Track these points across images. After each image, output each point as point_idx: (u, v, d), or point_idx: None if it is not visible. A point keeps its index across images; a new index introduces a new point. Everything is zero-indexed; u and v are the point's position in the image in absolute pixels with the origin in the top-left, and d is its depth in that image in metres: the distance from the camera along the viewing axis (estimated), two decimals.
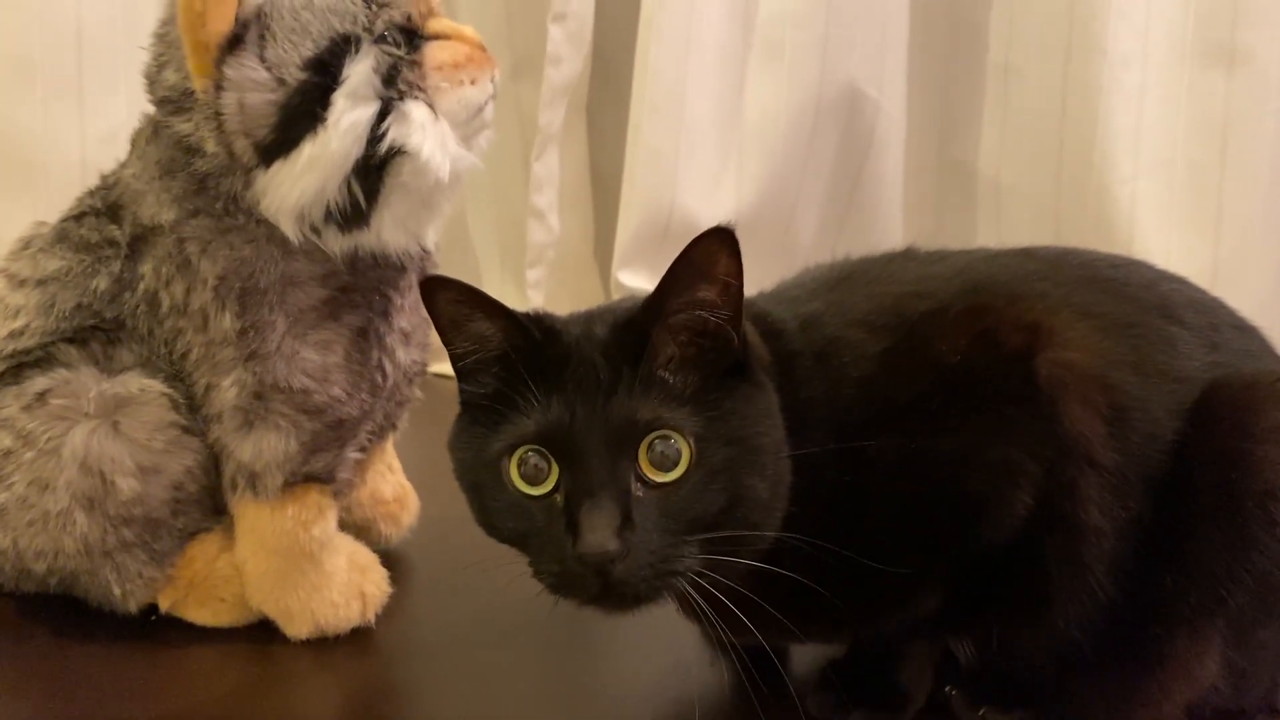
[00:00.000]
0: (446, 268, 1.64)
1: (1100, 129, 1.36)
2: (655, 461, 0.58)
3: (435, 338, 0.86)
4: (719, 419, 0.60)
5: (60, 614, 0.80)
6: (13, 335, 0.75)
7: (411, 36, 0.73)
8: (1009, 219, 1.51)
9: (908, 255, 0.78)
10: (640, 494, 0.58)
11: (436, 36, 0.74)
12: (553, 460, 0.59)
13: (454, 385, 0.64)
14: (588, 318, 0.65)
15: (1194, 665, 0.65)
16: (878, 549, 0.63)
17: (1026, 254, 0.76)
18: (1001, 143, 1.49)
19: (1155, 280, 0.73)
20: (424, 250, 0.79)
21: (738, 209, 1.49)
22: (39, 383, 0.73)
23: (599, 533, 0.56)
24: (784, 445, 0.62)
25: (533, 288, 1.48)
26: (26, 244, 0.79)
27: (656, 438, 0.58)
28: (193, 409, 0.75)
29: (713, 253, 0.60)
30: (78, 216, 0.77)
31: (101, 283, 0.75)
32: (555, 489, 0.59)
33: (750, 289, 1.61)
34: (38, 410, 0.73)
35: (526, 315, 0.62)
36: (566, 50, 1.42)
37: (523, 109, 1.49)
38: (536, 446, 0.59)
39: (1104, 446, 0.64)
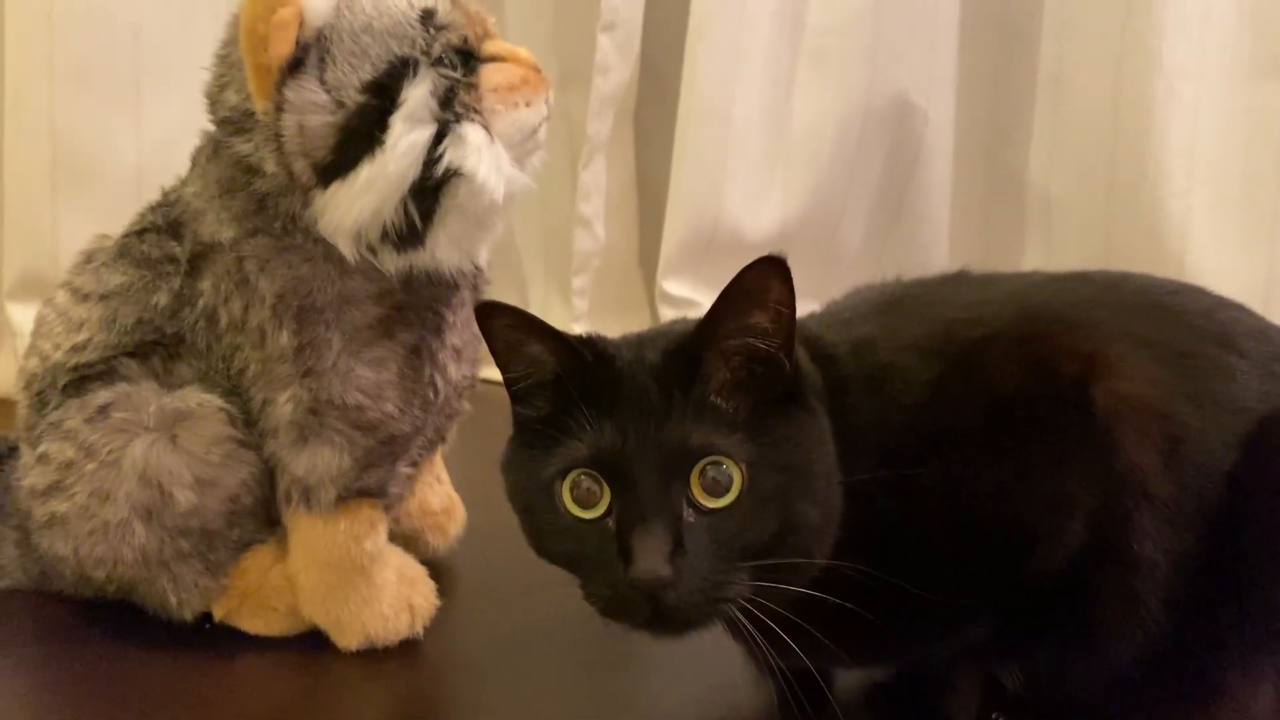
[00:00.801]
0: (492, 275, 1.66)
1: (1154, 141, 1.34)
2: (707, 487, 0.58)
3: (485, 351, 0.88)
4: (771, 445, 0.60)
5: (117, 620, 0.82)
6: (76, 349, 0.77)
7: (468, 59, 0.74)
8: (1058, 230, 1.50)
9: (960, 279, 0.78)
10: (692, 519, 0.58)
11: (492, 59, 0.74)
12: (605, 484, 0.59)
13: (501, 392, 0.64)
14: (639, 341, 0.65)
15: (1247, 700, 0.65)
16: (927, 577, 0.63)
17: (1081, 279, 0.75)
18: (1052, 154, 1.47)
19: (1212, 307, 0.72)
20: (476, 268, 0.80)
21: (783, 219, 1.50)
22: (101, 396, 0.75)
23: (651, 558, 0.57)
24: (835, 472, 0.62)
25: (577, 295, 1.49)
26: (89, 258, 0.80)
27: (709, 463, 0.58)
28: (249, 423, 0.76)
29: (765, 280, 0.60)
30: (139, 232, 0.79)
31: (162, 298, 0.76)
32: (608, 513, 0.59)
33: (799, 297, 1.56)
34: (99, 423, 0.74)
35: (579, 339, 0.63)
36: (615, 59, 1.42)
37: (571, 118, 1.49)
38: (589, 470, 0.60)
39: (1159, 478, 0.63)
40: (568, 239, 1.50)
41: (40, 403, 0.78)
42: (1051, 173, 1.46)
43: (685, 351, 0.61)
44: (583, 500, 0.60)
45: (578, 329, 1.50)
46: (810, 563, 0.61)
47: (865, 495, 0.64)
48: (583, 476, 0.60)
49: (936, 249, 1.60)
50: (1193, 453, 0.64)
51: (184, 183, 0.78)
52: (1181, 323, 0.69)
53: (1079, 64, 1.42)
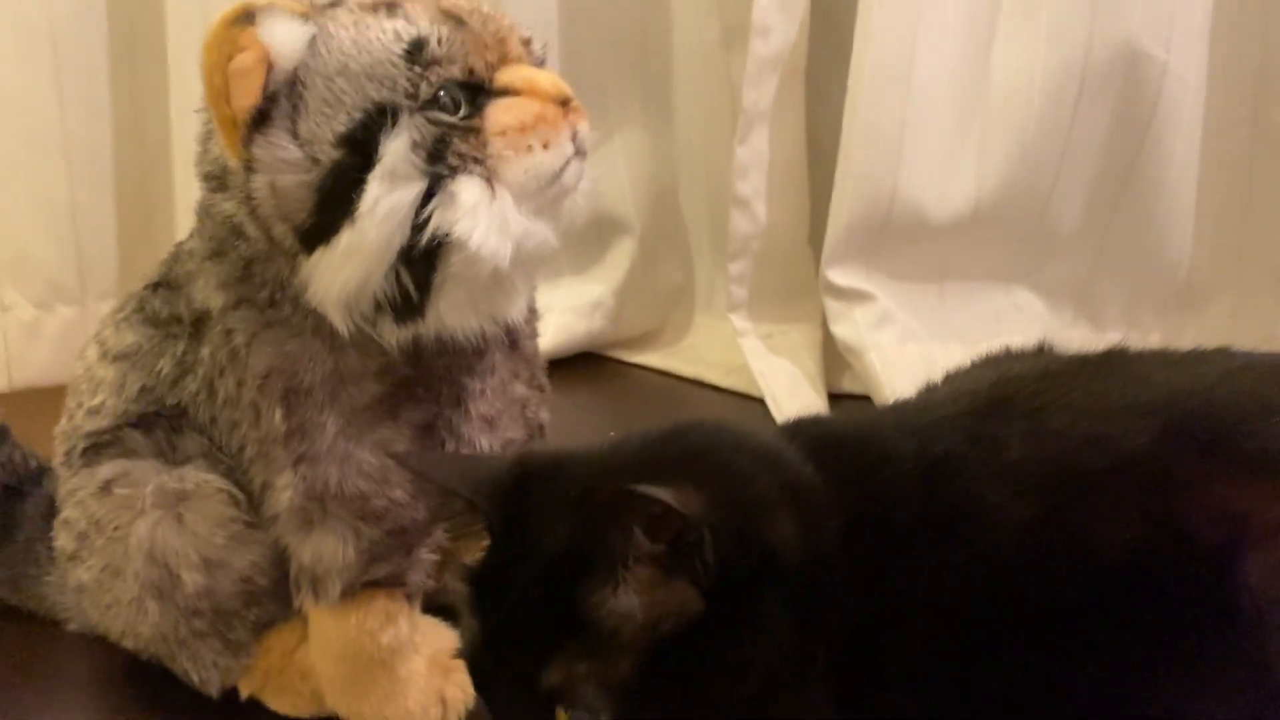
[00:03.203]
0: (659, 253, 1.55)
1: None
2: None
3: (544, 413, 0.77)
4: (663, 677, 0.48)
5: (158, 680, 0.79)
6: (91, 413, 0.73)
7: (475, 93, 0.62)
8: None
9: (1106, 365, 0.59)
10: None
11: (505, 92, 0.62)
12: None
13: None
14: (563, 502, 0.52)
15: None
16: None
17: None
18: None
19: None
20: (510, 325, 0.69)
21: (977, 194, 1.29)
22: (104, 470, 0.70)
23: None
24: (784, 687, 0.49)
25: (735, 282, 1.35)
26: (121, 306, 0.76)
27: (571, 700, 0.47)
28: (252, 505, 0.69)
29: (621, 516, 0.47)
30: (154, 285, 0.73)
31: (166, 365, 0.70)
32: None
33: (994, 284, 1.41)
34: (105, 498, 0.70)
35: (493, 488, 0.53)
36: (777, 18, 1.24)
37: (733, 80, 1.33)
38: None
39: None
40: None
41: (66, 465, 0.74)
42: None
43: (570, 547, 0.49)
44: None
45: (735, 321, 1.37)
46: None
47: (908, 679, 0.49)
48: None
49: (1178, 226, 1.34)
50: None
51: (190, 235, 0.71)
52: None
53: None
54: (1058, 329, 1.39)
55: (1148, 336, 1.38)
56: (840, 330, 1.29)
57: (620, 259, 1.48)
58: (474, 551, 0.57)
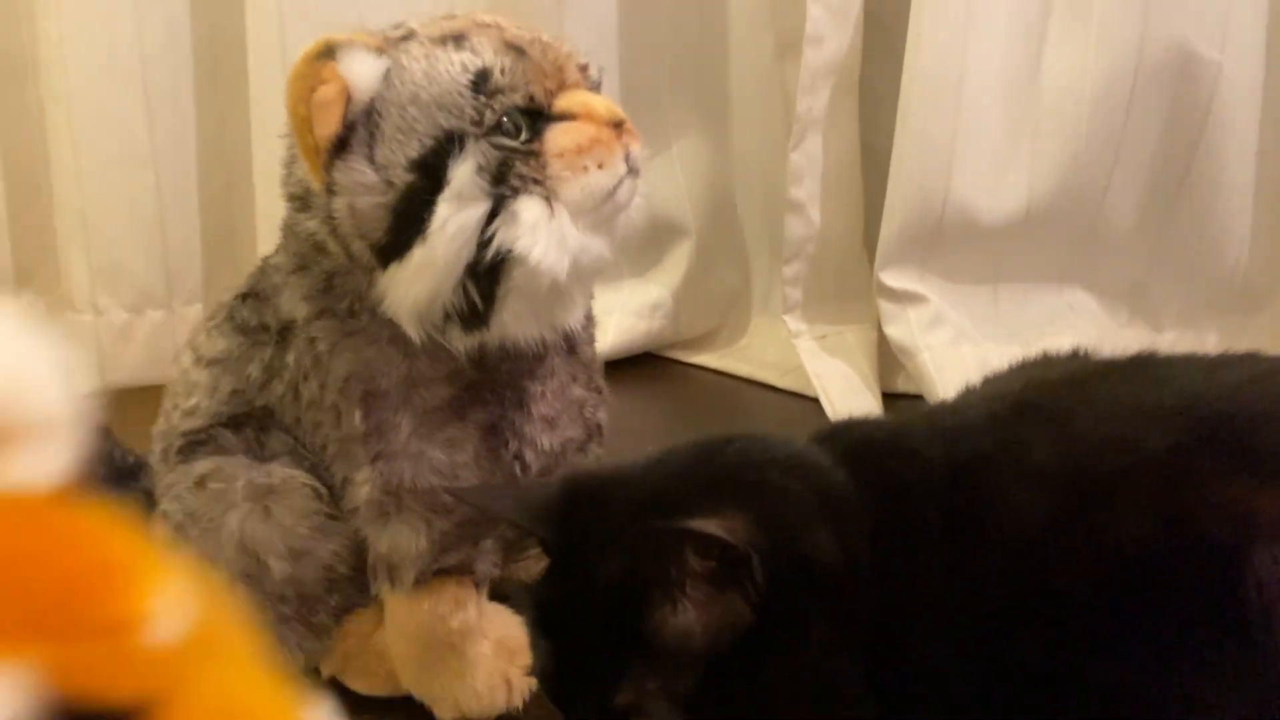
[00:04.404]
0: (716, 256, 1.59)
1: None
2: None
3: (602, 414, 0.82)
4: (726, 686, 0.51)
5: None
6: (186, 414, 0.79)
7: (536, 118, 0.66)
8: None
9: (1132, 369, 0.62)
10: None
11: (563, 116, 0.67)
12: None
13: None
14: (619, 527, 0.56)
15: None
16: None
17: None
18: None
19: None
20: (570, 331, 0.74)
21: (1028, 197, 1.31)
22: (200, 466, 0.76)
23: None
24: (837, 687, 0.52)
25: (790, 284, 1.38)
26: (212, 315, 0.82)
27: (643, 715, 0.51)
28: (335, 498, 0.75)
29: (669, 552, 0.52)
30: (242, 296, 0.79)
31: (254, 369, 0.76)
32: None
33: (1048, 285, 1.42)
34: (199, 492, 0.76)
35: (549, 516, 0.57)
36: (829, 28, 1.28)
37: (787, 89, 1.37)
38: None
39: None
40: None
41: (164, 461, 0.81)
42: None
43: (627, 574, 0.53)
44: None
45: (790, 323, 1.40)
46: None
47: (932, 672, 0.53)
48: None
49: (1235, 227, 1.34)
50: None
51: (276, 250, 0.77)
52: None
53: None
54: (1113, 329, 1.40)
55: (1204, 337, 1.39)
56: (893, 331, 1.32)
57: (679, 262, 1.52)
58: (534, 567, 0.61)
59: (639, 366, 1.50)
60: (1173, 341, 1.40)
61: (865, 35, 1.33)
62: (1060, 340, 1.32)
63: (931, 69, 1.23)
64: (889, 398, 1.35)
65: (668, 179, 1.49)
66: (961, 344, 1.32)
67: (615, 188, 0.67)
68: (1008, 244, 1.33)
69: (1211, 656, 0.49)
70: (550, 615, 0.56)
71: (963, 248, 1.30)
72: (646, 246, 1.52)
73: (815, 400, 1.34)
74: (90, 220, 1.38)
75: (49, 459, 0.28)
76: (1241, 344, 0.72)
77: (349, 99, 0.65)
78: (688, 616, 0.51)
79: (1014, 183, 1.30)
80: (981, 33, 1.23)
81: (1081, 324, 1.38)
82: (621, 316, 1.48)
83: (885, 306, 1.32)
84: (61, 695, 0.25)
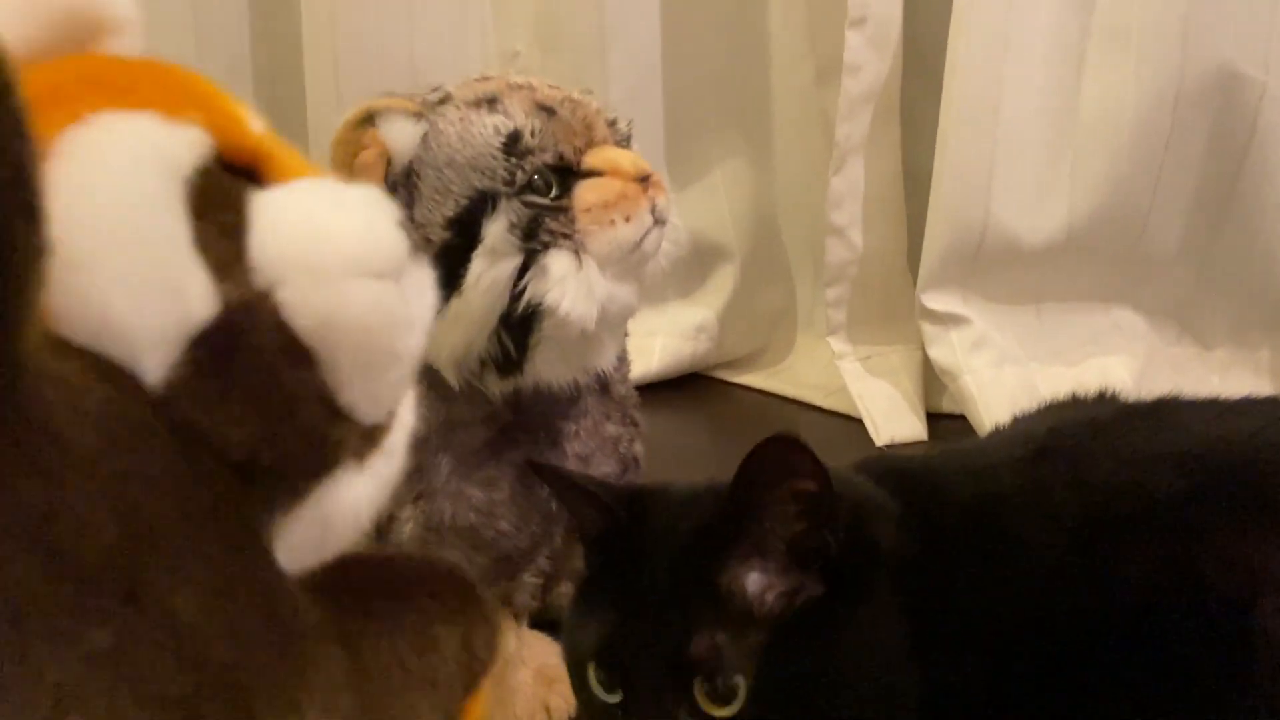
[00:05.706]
0: (760, 278, 1.61)
1: None
2: (709, 694, 0.53)
3: (638, 447, 0.85)
4: (793, 649, 0.53)
5: None
6: None
7: (565, 175, 0.70)
8: None
9: (1152, 414, 0.63)
10: None
11: (591, 173, 0.70)
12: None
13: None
14: (693, 496, 0.60)
15: None
16: None
17: None
18: None
19: None
20: (601, 374, 0.77)
21: (1069, 220, 1.31)
22: None
23: None
24: (895, 669, 0.54)
25: (833, 306, 1.40)
26: None
27: (711, 670, 0.53)
28: (379, 534, 0.79)
29: (780, 461, 0.53)
30: None
31: None
32: (621, 705, 0.56)
33: (1093, 304, 1.42)
34: None
35: (626, 494, 0.60)
36: (867, 56, 1.29)
37: (828, 116, 1.38)
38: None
39: None
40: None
41: None
42: None
43: (709, 528, 0.55)
44: (604, 685, 0.57)
45: (833, 344, 1.42)
46: None
47: (954, 695, 0.55)
48: (597, 667, 0.57)
49: None
50: None
51: None
52: None
53: None
54: (1160, 347, 1.40)
55: (1256, 355, 1.38)
56: (936, 353, 1.33)
57: (723, 284, 1.55)
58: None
59: (684, 386, 1.53)
60: (1223, 359, 1.39)
61: (905, 61, 1.34)
62: (1107, 361, 1.35)
63: (969, 93, 1.24)
64: (934, 418, 1.36)
65: (712, 203, 1.51)
66: (1005, 365, 1.33)
67: (641, 239, 0.70)
68: (1050, 265, 1.33)
69: (1217, 707, 0.51)
70: (618, 582, 0.57)
71: (1005, 269, 1.31)
72: (691, 269, 1.55)
73: (859, 421, 1.36)
74: None
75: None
76: None
77: (389, 162, 0.68)
78: (764, 579, 0.54)
79: (1054, 205, 1.30)
80: (1018, 58, 1.24)
81: (1128, 343, 1.38)
82: (667, 338, 1.50)
83: (928, 329, 1.33)
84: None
